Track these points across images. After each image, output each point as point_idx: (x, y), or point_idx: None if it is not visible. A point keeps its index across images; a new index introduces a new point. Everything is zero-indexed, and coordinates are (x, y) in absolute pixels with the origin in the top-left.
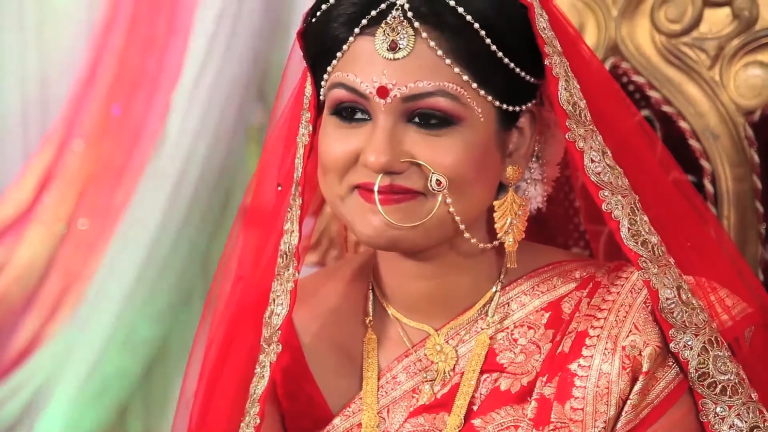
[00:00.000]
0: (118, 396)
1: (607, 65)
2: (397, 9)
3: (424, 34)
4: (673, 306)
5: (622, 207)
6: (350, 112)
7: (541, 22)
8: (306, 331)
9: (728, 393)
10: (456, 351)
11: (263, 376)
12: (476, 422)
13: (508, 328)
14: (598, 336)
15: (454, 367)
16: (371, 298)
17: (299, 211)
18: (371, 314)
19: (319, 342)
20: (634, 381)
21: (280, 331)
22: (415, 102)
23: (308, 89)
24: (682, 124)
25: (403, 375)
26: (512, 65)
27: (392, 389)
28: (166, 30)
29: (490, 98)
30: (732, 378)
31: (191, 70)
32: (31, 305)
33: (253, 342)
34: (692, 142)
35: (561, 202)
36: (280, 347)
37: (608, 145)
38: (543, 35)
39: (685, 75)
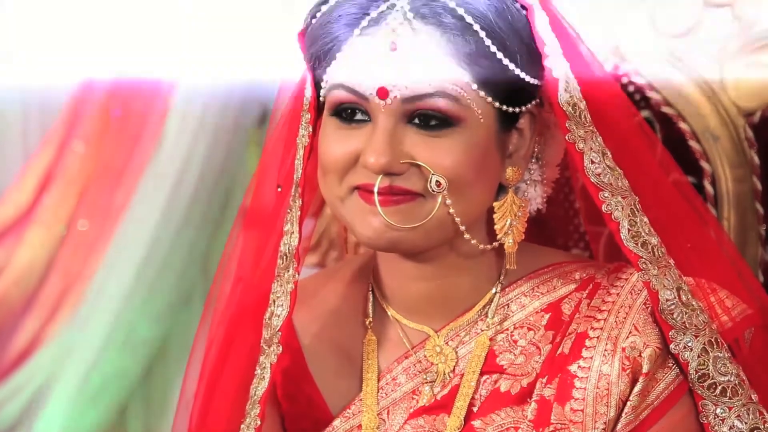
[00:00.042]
0: (117, 396)
1: (608, 67)
2: (397, 10)
3: (424, 35)
4: (673, 307)
5: (622, 208)
6: (350, 113)
7: (541, 23)
8: (306, 332)
9: (728, 394)
10: (456, 352)
11: (263, 377)
12: (476, 423)
13: (507, 329)
14: (597, 337)
15: (453, 369)
16: (371, 299)
17: (299, 213)
18: (371, 315)
19: (319, 343)
20: (634, 382)
21: (280, 333)
22: (415, 103)
23: (308, 90)
24: (683, 126)
25: (403, 376)
26: (512, 66)
27: (392, 391)
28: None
29: (490, 99)
30: (732, 379)
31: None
32: (30, 306)
33: (253, 343)
34: (692, 144)
35: (561, 204)
36: (280, 348)
37: (608, 146)
38: (543, 36)
39: (685, 76)
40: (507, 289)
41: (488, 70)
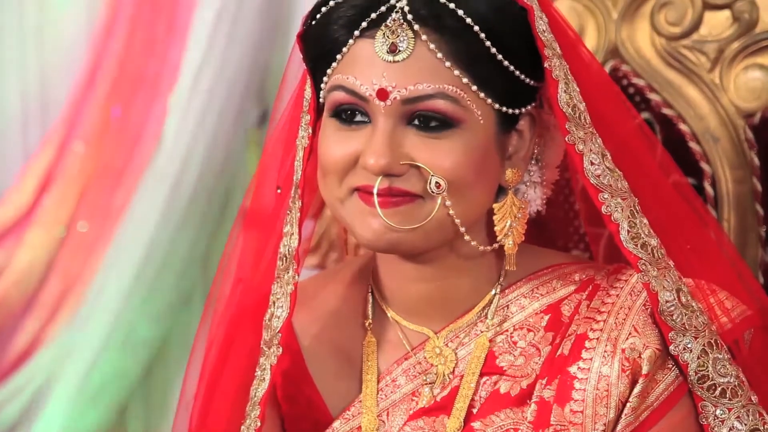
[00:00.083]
0: (117, 396)
1: (608, 68)
2: (396, 12)
3: (423, 37)
4: (672, 308)
5: (622, 209)
6: (350, 114)
7: (541, 25)
8: (305, 334)
9: (728, 395)
10: (455, 354)
11: (264, 378)
12: (476, 425)
13: (507, 330)
14: (597, 339)
15: (453, 370)
16: (371, 300)
17: (299, 214)
18: (371, 317)
19: (319, 345)
20: (633, 383)
21: (280, 334)
22: (414, 104)
23: (308, 92)
24: (683, 127)
25: (403, 378)
26: (512, 68)
27: (392, 392)
28: (166, 32)
29: (489, 101)
30: (732, 380)
31: (189, 71)
32: (30, 307)
33: (252, 345)
34: (692, 145)
35: (561, 205)
36: (280, 350)
37: (608, 147)
38: (543, 38)
39: (685, 78)
40: (506, 291)
41: (488, 71)
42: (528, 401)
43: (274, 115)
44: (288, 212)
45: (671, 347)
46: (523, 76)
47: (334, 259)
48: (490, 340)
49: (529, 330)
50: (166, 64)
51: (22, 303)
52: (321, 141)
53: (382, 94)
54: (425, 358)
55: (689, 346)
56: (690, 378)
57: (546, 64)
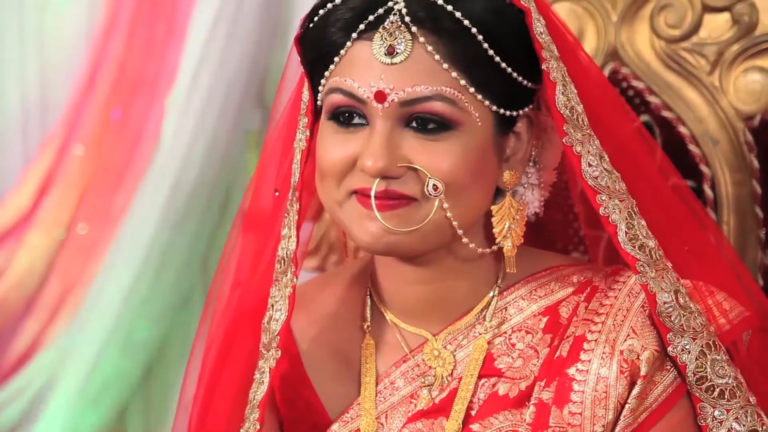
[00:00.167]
0: (118, 398)
1: (607, 70)
2: (394, 14)
3: (421, 39)
4: (670, 310)
5: (620, 211)
6: (348, 117)
7: (539, 27)
8: (304, 336)
9: (726, 397)
10: (454, 356)
11: (262, 381)
12: (474, 427)
13: (505, 332)
14: (596, 340)
15: (452, 372)
16: (369, 303)
17: (296, 217)
18: (369, 319)
19: (317, 348)
20: (632, 385)
21: (279, 337)
22: (412, 106)
23: (305, 94)
24: (682, 130)
25: (401, 380)
26: (509, 70)
27: (390, 395)
28: (165, 34)
29: (487, 103)
30: (730, 382)
31: (187, 74)
32: (30, 309)
33: (251, 347)
34: (692, 147)
35: (561, 207)
36: (279, 353)
37: (606, 149)
38: (540, 40)
39: (684, 80)
40: (505, 293)
41: (486, 73)
42: (527, 403)
43: (273, 117)
44: (286, 215)
45: (669, 348)
46: (520, 78)
47: (333, 262)
48: (489, 342)
49: (527, 332)
50: (164, 64)
51: (22, 305)
52: (319, 144)
53: (380, 96)
54: (424, 360)
55: (687, 347)
56: (688, 379)
57: (544, 66)
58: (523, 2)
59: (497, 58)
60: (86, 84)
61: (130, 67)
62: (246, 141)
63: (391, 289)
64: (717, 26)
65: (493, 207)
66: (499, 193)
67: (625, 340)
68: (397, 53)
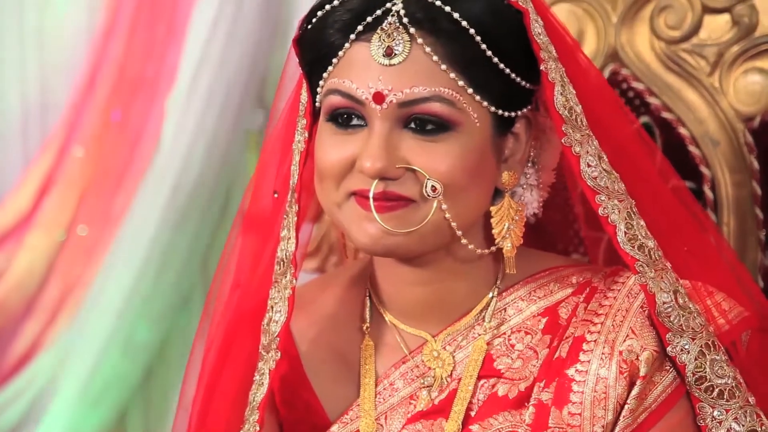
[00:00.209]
0: (118, 399)
1: (607, 72)
2: (392, 15)
3: (419, 40)
4: (670, 310)
5: (619, 211)
6: (346, 118)
7: (537, 28)
8: (303, 338)
9: (725, 397)
10: (453, 357)
11: (262, 383)
12: (474, 428)
13: (505, 333)
14: (595, 341)
15: (451, 373)
16: (368, 304)
17: (295, 218)
18: (368, 321)
19: (317, 349)
20: (631, 385)
21: (278, 339)
22: (411, 107)
23: (304, 96)
24: (682, 131)
25: (401, 381)
26: (508, 71)
27: (390, 396)
28: (165, 36)
29: (485, 104)
30: (729, 382)
31: (187, 74)
32: (31, 311)
33: (251, 349)
34: (692, 149)
35: (560, 209)
36: (278, 354)
37: (604, 149)
38: (538, 40)
39: (684, 81)
40: (504, 294)
41: (484, 74)
42: (526, 404)
43: (272, 119)
44: (285, 216)
45: (668, 348)
46: (519, 79)
47: (333, 263)
48: (488, 343)
49: (526, 333)
50: (164, 65)
51: (22, 306)
52: (317, 145)
53: (378, 97)
54: (423, 361)
55: (686, 347)
56: (687, 379)
57: (542, 67)
58: (521, 3)
59: (495, 59)
60: (86, 85)
61: (130, 68)
62: (246, 141)
63: (390, 290)
64: (717, 27)
65: (492, 208)
66: (497, 193)
67: (625, 340)
68: (395, 54)
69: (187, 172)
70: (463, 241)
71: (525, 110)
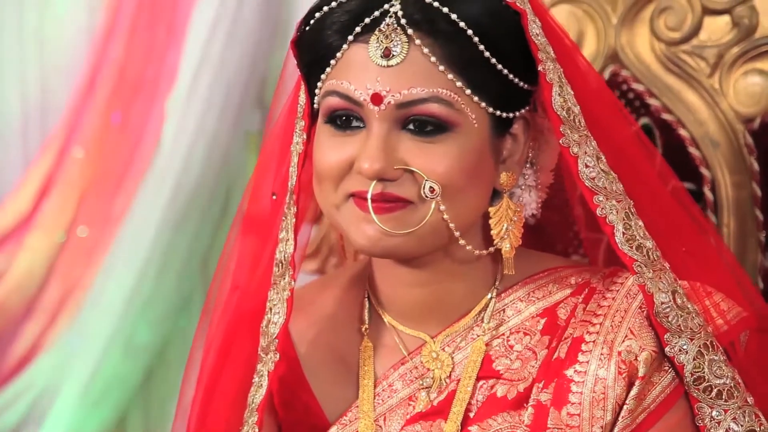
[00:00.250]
0: (118, 401)
1: (607, 73)
2: (390, 16)
3: (417, 41)
4: (668, 310)
5: (617, 212)
6: (345, 120)
7: (534, 29)
8: (302, 339)
9: (724, 397)
10: (452, 358)
11: (261, 385)
12: (473, 429)
13: (503, 334)
14: (594, 341)
15: (450, 374)
16: (367, 306)
17: (294, 220)
18: (367, 322)
19: (315, 350)
20: (630, 386)
21: (277, 340)
22: (409, 108)
23: (302, 98)
24: (682, 132)
25: (400, 383)
26: (506, 71)
27: (389, 397)
28: (165, 37)
29: (483, 104)
30: (728, 382)
31: (187, 75)
32: (30, 312)
33: (250, 351)
34: (692, 150)
35: (560, 210)
36: (277, 356)
37: (603, 150)
38: (536, 41)
39: (684, 83)
40: (503, 295)
41: (482, 75)
42: (525, 404)
43: (270, 120)
44: (283, 218)
45: (667, 349)
46: (516, 80)
47: (333, 264)
48: (487, 344)
49: (525, 333)
50: (164, 66)
51: (22, 308)
52: (316, 147)
53: (377, 98)
54: (422, 362)
55: (685, 347)
56: (686, 379)
57: (540, 68)
58: (518, 4)
59: (493, 60)
60: (86, 86)
61: (131, 69)
62: (246, 142)
63: (388, 291)
64: (717, 29)
65: (490, 209)
66: (496, 194)
67: (623, 341)
68: (393, 55)
69: (187, 173)
70: (462, 242)
71: (523, 111)
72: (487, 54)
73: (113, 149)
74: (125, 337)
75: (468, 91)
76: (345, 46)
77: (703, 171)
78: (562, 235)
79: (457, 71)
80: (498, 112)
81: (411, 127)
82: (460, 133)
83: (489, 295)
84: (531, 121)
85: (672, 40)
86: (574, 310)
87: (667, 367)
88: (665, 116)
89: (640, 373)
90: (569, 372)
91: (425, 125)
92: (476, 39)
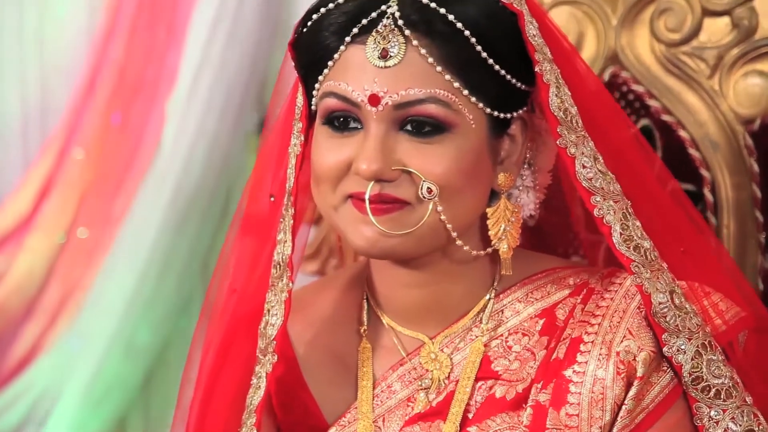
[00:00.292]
0: (119, 403)
1: (607, 74)
2: (387, 17)
3: (414, 42)
4: (666, 310)
5: (614, 212)
6: (342, 121)
7: (531, 30)
8: (300, 341)
9: (722, 397)
10: (451, 359)
11: (259, 386)
12: (472, 430)
13: (502, 335)
14: (592, 342)
15: (449, 375)
16: (366, 307)
17: (292, 221)
18: (366, 323)
19: (314, 352)
20: (628, 386)
21: (275, 342)
22: (406, 109)
23: (300, 99)
24: (682, 133)
25: (398, 384)
26: (503, 72)
27: (387, 398)
28: (165, 38)
29: (481, 105)
30: (726, 382)
31: (187, 76)
32: (30, 314)
33: (248, 352)
34: (692, 151)
35: (559, 211)
36: (275, 357)
37: (600, 150)
38: (533, 42)
39: (684, 84)
40: (501, 295)
41: (479, 76)
42: (524, 405)
43: (268, 122)
44: (281, 220)
45: (665, 349)
46: (514, 81)
47: (334, 265)
48: (485, 345)
49: (524, 334)
50: (164, 67)
51: (22, 309)
52: (314, 148)
53: (374, 99)
54: (420, 363)
55: (683, 347)
56: (684, 379)
57: (537, 68)
58: (515, 5)
59: (490, 61)
60: (86, 87)
61: (131, 70)
62: (246, 143)
63: (386, 292)
64: (717, 30)
65: (488, 209)
66: (494, 195)
67: (622, 341)
68: (390, 56)
69: (187, 174)
70: (459, 242)
71: (521, 112)
72: (484, 55)
73: (113, 150)
74: (126, 338)
75: (465, 92)
76: (342, 48)
77: (703, 172)
78: (562, 236)
79: (454, 72)
80: (495, 113)
81: (408, 127)
82: (457, 134)
83: (487, 296)
84: (529, 121)
85: (672, 42)
86: (572, 311)
87: (665, 367)
88: (665, 117)
89: (639, 374)
90: (568, 372)
91: (423, 126)
92: (473, 40)
